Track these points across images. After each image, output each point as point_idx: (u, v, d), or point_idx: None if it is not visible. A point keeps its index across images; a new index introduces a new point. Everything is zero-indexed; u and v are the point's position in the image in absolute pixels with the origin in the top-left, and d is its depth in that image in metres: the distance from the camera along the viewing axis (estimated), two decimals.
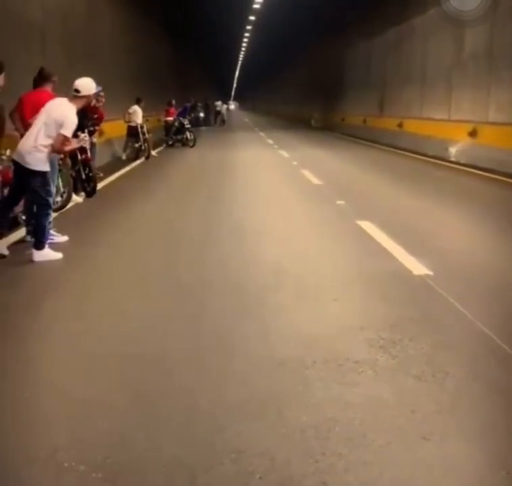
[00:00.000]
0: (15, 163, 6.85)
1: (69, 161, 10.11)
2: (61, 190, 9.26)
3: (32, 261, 6.71)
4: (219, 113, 47.77)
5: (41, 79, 8.13)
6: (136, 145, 18.67)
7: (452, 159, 17.75)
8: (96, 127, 12.19)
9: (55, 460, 2.99)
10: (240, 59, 77.61)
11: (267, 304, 5.36)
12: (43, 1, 13.61)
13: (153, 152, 19.64)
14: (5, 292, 5.65)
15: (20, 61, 10.50)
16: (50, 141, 6.77)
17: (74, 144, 7.35)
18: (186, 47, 42.79)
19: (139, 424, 3.34)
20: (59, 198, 9.09)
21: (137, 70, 24.30)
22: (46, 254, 6.86)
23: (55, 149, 6.85)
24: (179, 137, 24.01)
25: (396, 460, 3.03)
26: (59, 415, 3.48)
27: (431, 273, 6.13)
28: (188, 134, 23.97)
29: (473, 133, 16.95)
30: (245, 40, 57.30)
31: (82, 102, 7.10)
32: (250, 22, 45.88)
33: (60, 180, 8.96)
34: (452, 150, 18.07)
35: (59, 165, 8.40)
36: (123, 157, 18.45)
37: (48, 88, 8.06)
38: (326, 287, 5.84)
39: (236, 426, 3.32)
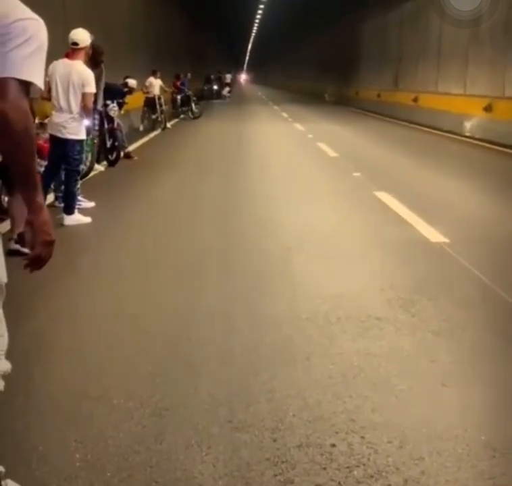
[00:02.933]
0: (52, 136, 7.10)
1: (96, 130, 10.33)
2: (87, 157, 9.51)
3: (62, 225, 6.98)
4: (228, 84, 48.27)
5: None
6: (153, 116, 18.86)
7: (467, 134, 17.85)
8: (126, 101, 12.41)
9: (106, 398, 3.27)
10: (254, 31, 77.16)
11: (291, 266, 5.63)
12: None
13: (169, 124, 19.82)
14: None
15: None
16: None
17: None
18: (200, 20, 42.67)
19: (179, 368, 3.62)
20: (83, 166, 9.32)
21: (153, 43, 24.38)
22: (77, 219, 7.15)
23: (87, 108, 7.10)
24: (185, 109, 24.32)
25: (418, 402, 3.30)
26: (106, 360, 3.76)
27: (447, 240, 6.37)
28: (193, 106, 24.27)
29: (488, 108, 17.02)
30: (260, 12, 56.94)
31: (82, 55, 7.14)
32: None
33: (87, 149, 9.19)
34: (468, 125, 18.17)
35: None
36: (141, 128, 18.64)
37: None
38: (347, 252, 6.10)
39: (269, 371, 3.59)
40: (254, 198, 8.66)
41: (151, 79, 18.65)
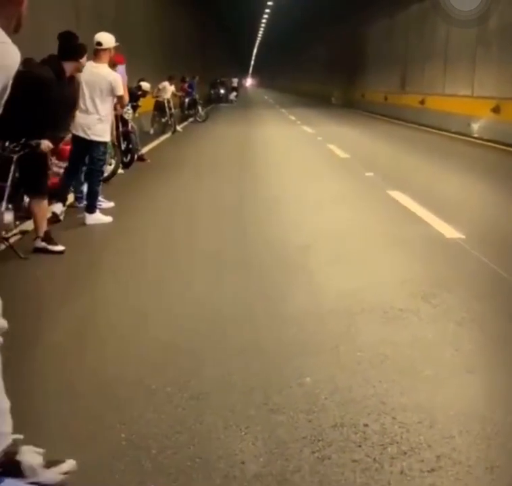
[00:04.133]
0: (76, 137, 7.25)
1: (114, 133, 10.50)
2: (110, 160, 9.67)
3: (84, 224, 7.13)
4: (234, 88, 48.51)
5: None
6: (163, 120, 19.03)
7: (476, 135, 17.96)
8: (139, 104, 12.60)
9: (144, 384, 3.40)
10: (259, 35, 77.31)
11: (311, 263, 5.75)
12: None
13: (178, 127, 20.00)
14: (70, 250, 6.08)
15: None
16: (108, 109, 7.22)
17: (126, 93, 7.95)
18: (207, 25, 42.88)
19: (212, 356, 3.76)
20: (109, 168, 9.50)
21: (163, 46, 24.57)
22: (98, 218, 7.30)
23: (122, 106, 7.98)
24: (191, 112, 24.54)
25: (444, 386, 3.42)
26: (140, 348, 3.89)
27: (463, 236, 6.50)
28: (200, 109, 24.50)
29: (496, 110, 17.14)
30: (265, 16, 57.11)
31: (107, 57, 7.36)
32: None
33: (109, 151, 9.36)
34: (475, 126, 18.28)
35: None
36: (151, 132, 18.81)
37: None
38: (365, 249, 6.23)
39: (299, 359, 3.72)
40: (268, 198, 8.78)
41: (166, 83, 18.84)
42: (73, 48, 6.22)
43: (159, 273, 5.44)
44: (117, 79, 7.24)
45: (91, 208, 7.30)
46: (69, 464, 2.54)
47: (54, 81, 5.83)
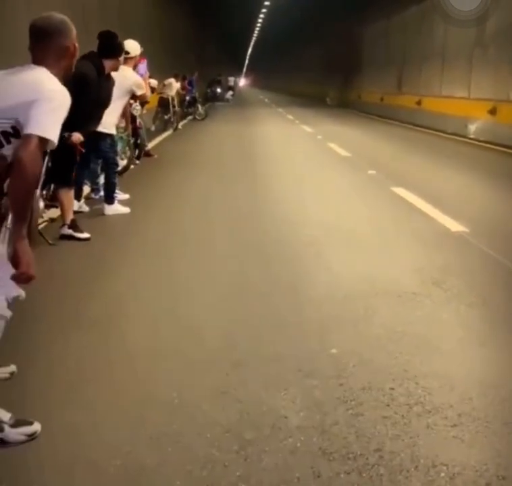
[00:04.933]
0: None
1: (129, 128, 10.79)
2: (126, 153, 9.99)
3: (103, 214, 7.45)
4: (231, 87, 48.93)
5: None
6: (166, 117, 19.30)
7: (472, 136, 18.33)
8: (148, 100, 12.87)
9: (184, 354, 3.73)
10: (255, 35, 77.70)
11: (323, 255, 6.05)
12: None
13: (179, 125, 20.28)
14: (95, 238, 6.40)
15: None
16: (120, 105, 7.53)
17: (149, 90, 8.54)
18: (203, 24, 43.14)
19: (243, 332, 4.09)
20: (124, 162, 9.79)
21: (163, 46, 24.84)
22: (116, 209, 7.61)
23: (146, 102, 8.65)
24: (191, 110, 24.81)
25: (460, 358, 3.77)
26: (173, 325, 4.22)
27: (467, 230, 6.84)
28: (199, 107, 24.78)
29: (493, 111, 17.51)
30: (261, 16, 57.45)
31: (132, 63, 7.85)
32: None
33: (121, 146, 9.66)
34: (472, 128, 18.65)
35: (123, 132, 9.17)
36: (153, 128, 19.06)
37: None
38: (374, 240, 6.55)
39: (322, 335, 4.06)
40: (274, 196, 9.06)
41: (172, 80, 19.08)
42: (113, 46, 6.56)
43: (180, 255, 5.79)
44: (139, 80, 7.65)
45: (110, 199, 7.61)
46: (34, 427, 2.82)
47: (95, 77, 6.16)
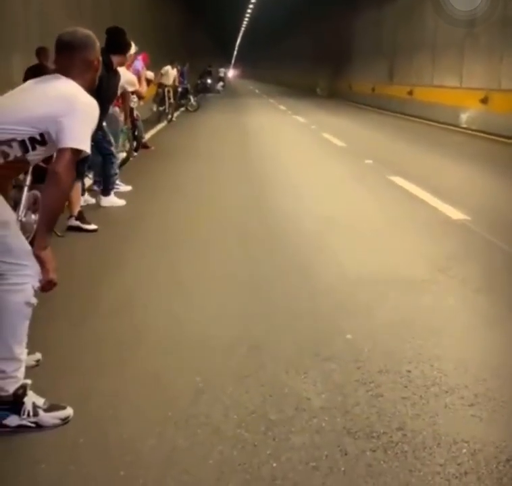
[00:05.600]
0: None
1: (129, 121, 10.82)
2: (126, 146, 10.03)
3: (100, 206, 7.51)
4: (221, 78, 48.98)
5: None
6: (160, 108, 19.32)
7: (464, 125, 18.44)
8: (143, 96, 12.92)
9: (203, 338, 3.82)
10: (244, 25, 77.51)
11: (328, 244, 6.15)
12: None
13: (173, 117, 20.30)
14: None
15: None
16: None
17: (144, 86, 8.66)
18: (193, 15, 43.11)
19: (257, 318, 4.18)
20: (124, 154, 9.83)
21: (154, 37, 24.82)
22: (112, 201, 7.65)
23: (141, 98, 8.75)
24: (183, 102, 24.80)
25: (471, 341, 3.89)
26: (182, 313, 4.31)
27: (468, 217, 6.95)
28: (191, 99, 24.77)
29: (485, 100, 17.63)
30: (251, 6, 57.32)
31: (128, 61, 7.85)
32: None
33: (122, 138, 9.70)
34: (464, 117, 18.77)
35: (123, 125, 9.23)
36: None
37: None
38: (378, 229, 6.65)
39: (336, 321, 4.16)
40: (272, 188, 9.13)
41: (168, 68, 19.08)
42: (122, 43, 6.62)
43: (186, 245, 5.89)
44: (132, 78, 7.69)
45: (106, 191, 7.65)
46: (67, 412, 2.92)
47: (104, 73, 6.21)
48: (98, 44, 3.09)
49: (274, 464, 2.61)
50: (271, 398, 3.15)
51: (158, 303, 4.47)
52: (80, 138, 2.77)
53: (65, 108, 2.77)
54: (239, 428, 2.88)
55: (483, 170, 10.54)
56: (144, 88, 8.57)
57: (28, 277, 2.81)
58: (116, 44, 6.61)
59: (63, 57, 2.99)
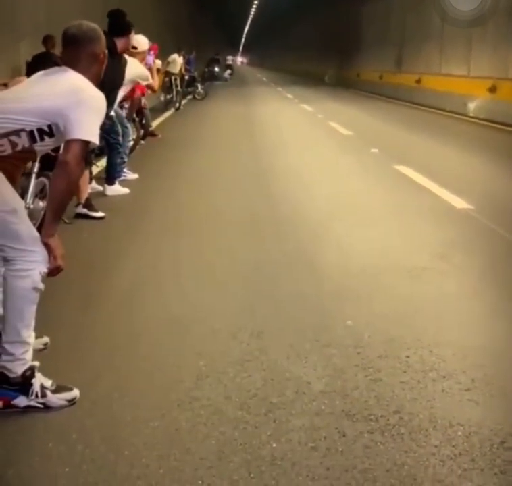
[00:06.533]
0: None
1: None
2: (133, 134, 10.09)
3: (105, 195, 7.58)
4: (229, 66, 49.11)
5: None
6: (168, 97, 19.36)
7: (471, 114, 18.42)
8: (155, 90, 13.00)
9: (207, 324, 3.90)
10: (252, 12, 77.18)
11: (332, 231, 6.21)
12: None
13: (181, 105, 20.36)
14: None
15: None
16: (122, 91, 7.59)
17: (157, 80, 8.64)
18: (201, 2, 42.99)
19: (260, 303, 4.26)
20: (131, 143, 9.88)
21: (161, 25, 24.81)
22: (116, 189, 7.72)
23: (154, 91, 8.92)
24: (190, 90, 24.82)
25: (471, 328, 3.96)
26: (188, 299, 4.39)
27: (472, 207, 7.00)
28: (199, 87, 24.79)
29: (492, 89, 17.59)
30: None
31: (140, 57, 7.93)
32: None
33: (131, 127, 9.75)
34: (472, 106, 18.74)
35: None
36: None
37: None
38: (382, 217, 6.71)
39: (337, 308, 4.24)
40: (276, 175, 9.21)
41: (175, 56, 19.12)
42: (123, 24, 6.63)
43: (191, 233, 6.01)
44: (144, 73, 7.68)
45: (110, 180, 7.72)
46: (73, 393, 3.01)
47: (109, 58, 6.24)
48: (104, 38, 3.16)
49: (274, 445, 2.69)
50: (272, 382, 3.22)
51: (163, 289, 4.55)
52: (88, 130, 2.84)
53: (73, 101, 2.84)
54: (240, 410, 2.96)
55: (488, 160, 10.56)
56: (156, 82, 8.58)
57: (36, 263, 2.88)
58: (118, 26, 6.59)
59: (70, 51, 3.06)
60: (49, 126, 2.84)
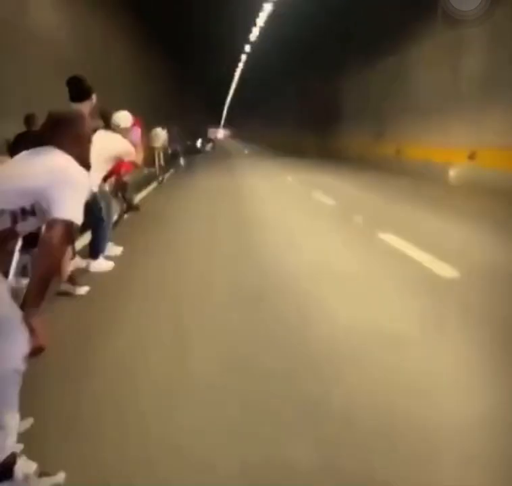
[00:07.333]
0: None
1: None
2: (117, 209, 10.14)
3: (88, 270, 7.50)
4: (210, 140, 50.38)
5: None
6: (152, 170, 19.56)
7: (452, 181, 18.65)
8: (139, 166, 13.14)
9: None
10: (233, 87, 79.07)
11: (323, 300, 6.18)
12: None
13: (167, 174, 20.61)
14: None
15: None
16: (106, 167, 7.61)
17: (141, 155, 8.48)
18: (183, 78, 44.03)
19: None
20: (115, 217, 9.91)
21: (144, 100, 25.29)
22: (100, 264, 7.65)
23: (137, 167, 8.99)
24: (173, 163, 25.33)
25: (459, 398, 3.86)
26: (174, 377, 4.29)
27: (457, 274, 6.98)
28: (181, 160, 25.36)
29: (472, 156, 17.89)
30: (240, 65, 58.49)
31: (125, 134, 8.02)
32: (245, 51, 47.34)
33: (115, 203, 9.80)
34: (452, 173, 18.99)
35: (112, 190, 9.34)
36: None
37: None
38: (375, 290, 6.61)
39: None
40: (259, 245, 9.27)
41: (158, 129, 19.40)
42: (83, 88, 6.72)
43: (172, 306, 5.88)
44: (129, 149, 7.79)
45: (95, 255, 7.65)
46: (59, 477, 2.92)
47: None
48: (88, 120, 3.27)
49: None
50: None
51: (150, 366, 4.46)
52: (72, 211, 2.83)
53: (56, 180, 2.84)
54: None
55: (474, 226, 10.61)
56: (140, 158, 8.56)
57: (16, 345, 2.80)
58: (79, 91, 6.67)
59: (54, 132, 3.11)
60: (32, 206, 2.83)
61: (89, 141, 3.24)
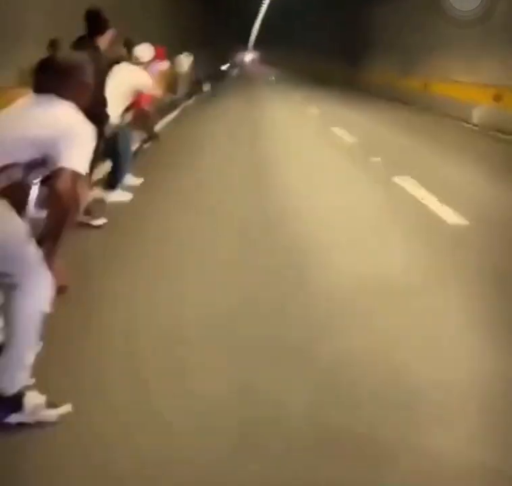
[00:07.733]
0: None
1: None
2: (136, 140, 10.21)
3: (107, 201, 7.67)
4: (236, 65, 49.84)
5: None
6: (174, 96, 19.44)
7: (475, 122, 18.38)
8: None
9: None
10: (263, 11, 76.86)
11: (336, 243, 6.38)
12: None
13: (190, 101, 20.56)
14: None
15: None
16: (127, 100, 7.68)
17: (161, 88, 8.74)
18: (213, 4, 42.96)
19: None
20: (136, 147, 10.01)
21: (167, 26, 24.77)
22: (118, 195, 7.83)
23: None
24: (196, 89, 25.18)
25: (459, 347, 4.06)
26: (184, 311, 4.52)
27: (467, 222, 7.09)
28: (205, 87, 25.27)
29: (497, 98, 17.56)
30: None
31: (144, 67, 8.05)
32: None
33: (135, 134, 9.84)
34: (476, 113, 18.69)
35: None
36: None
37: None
38: (383, 228, 6.87)
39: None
40: (271, 178, 9.45)
41: (182, 56, 19.16)
42: (100, 21, 6.52)
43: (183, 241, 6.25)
44: (147, 82, 7.82)
45: (113, 186, 7.83)
46: (65, 408, 3.11)
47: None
48: (91, 68, 3.25)
49: None
50: None
51: (158, 297, 4.75)
52: (77, 161, 2.90)
53: (63, 130, 2.90)
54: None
55: (489, 170, 10.58)
56: (160, 91, 8.55)
57: (41, 286, 2.93)
58: (96, 24, 6.49)
59: (59, 80, 3.10)
60: (41, 158, 2.90)
61: (102, 82, 3.23)
